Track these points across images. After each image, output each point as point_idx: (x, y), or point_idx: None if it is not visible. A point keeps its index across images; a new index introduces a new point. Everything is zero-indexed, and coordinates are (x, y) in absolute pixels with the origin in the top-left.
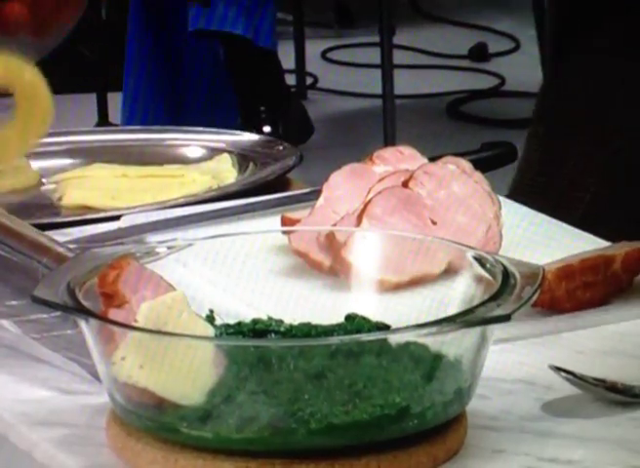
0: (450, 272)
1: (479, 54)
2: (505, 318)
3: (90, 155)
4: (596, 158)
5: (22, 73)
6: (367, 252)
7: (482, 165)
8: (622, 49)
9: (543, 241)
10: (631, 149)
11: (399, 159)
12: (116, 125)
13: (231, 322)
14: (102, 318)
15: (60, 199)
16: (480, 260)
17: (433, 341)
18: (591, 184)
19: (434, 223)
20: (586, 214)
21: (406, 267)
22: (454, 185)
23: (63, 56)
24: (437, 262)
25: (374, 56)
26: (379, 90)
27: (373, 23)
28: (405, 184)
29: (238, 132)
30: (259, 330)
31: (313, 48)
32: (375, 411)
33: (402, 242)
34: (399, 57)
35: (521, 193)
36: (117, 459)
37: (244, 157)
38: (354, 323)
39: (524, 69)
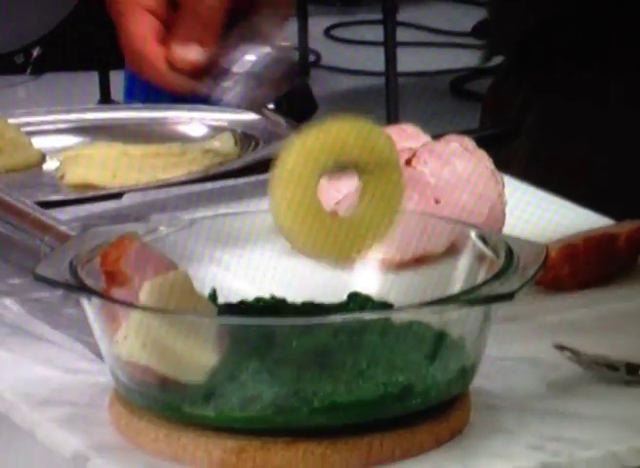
0: (453, 251)
1: (483, 31)
2: (509, 297)
3: (92, 133)
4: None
5: (377, 139)
6: None
7: (486, 143)
8: None
9: (547, 219)
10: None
11: (402, 137)
12: (118, 103)
13: (234, 300)
14: (105, 296)
15: (61, 177)
16: (483, 239)
17: (436, 320)
18: (597, 164)
19: (437, 202)
20: (594, 194)
21: (409, 246)
22: (457, 163)
23: (66, 34)
24: (440, 241)
25: (377, 33)
26: (382, 67)
27: (376, 1)
28: (408, 162)
29: (240, 110)
30: (261, 308)
31: (316, 25)
32: (378, 390)
33: (405, 220)
34: (402, 34)
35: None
36: (120, 438)
37: (246, 135)
38: (357, 301)
39: None
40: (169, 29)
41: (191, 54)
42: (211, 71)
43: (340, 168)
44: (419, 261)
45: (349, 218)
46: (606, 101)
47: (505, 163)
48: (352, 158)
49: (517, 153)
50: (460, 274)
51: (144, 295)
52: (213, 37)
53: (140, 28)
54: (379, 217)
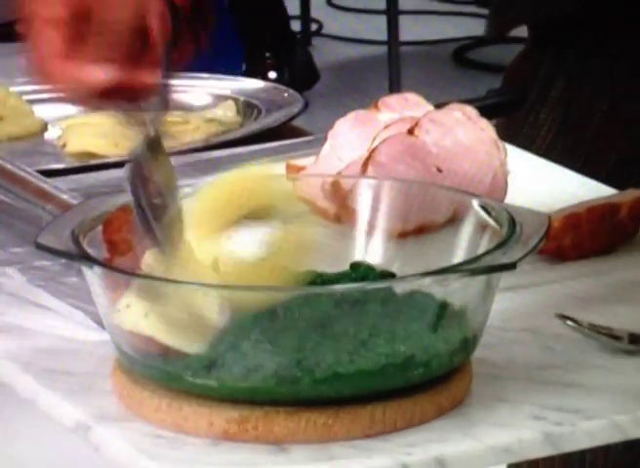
0: (455, 220)
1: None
2: (511, 266)
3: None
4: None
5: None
6: (372, 199)
7: (488, 112)
8: None
9: (550, 189)
10: None
11: (404, 106)
12: None
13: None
14: (107, 265)
15: (63, 146)
16: (486, 208)
17: (438, 290)
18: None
19: (440, 171)
20: (620, 167)
21: (411, 215)
22: (459, 133)
23: None
24: (442, 210)
25: (379, 1)
26: (384, 36)
27: None
28: (410, 131)
29: (243, 78)
30: None
31: None
32: (380, 360)
33: (407, 189)
34: (405, 2)
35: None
36: (122, 407)
37: (249, 104)
38: (359, 271)
39: None
40: (78, 42)
41: (97, 73)
42: (121, 91)
43: (250, 215)
44: (421, 231)
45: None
46: (626, 76)
47: (530, 138)
48: (257, 206)
49: (541, 128)
50: (462, 244)
51: (147, 263)
52: (121, 54)
53: (41, 45)
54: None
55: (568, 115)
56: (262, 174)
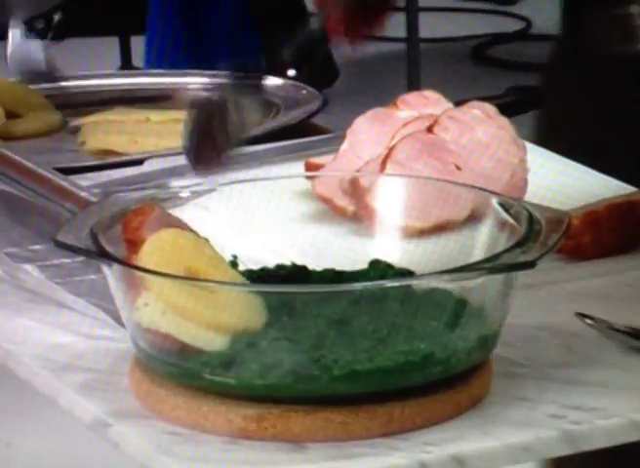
0: (474, 218)
1: None
2: (530, 264)
3: (113, 99)
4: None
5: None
6: (391, 197)
7: (507, 109)
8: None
9: (569, 186)
10: None
11: (423, 104)
12: (139, 68)
13: (255, 268)
14: (126, 263)
15: (82, 143)
16: (505, 206)
17: (457, 288)
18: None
19: (459, 169)
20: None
21: (430, 213)
22: (478, 130)
23: None
24: (461, 208)
25: None
26: (403, 33)
27: None
28: (429, 129)
29: (262, 75)
30: (282, 275)
31: None
32: (398, 358)
33: (426, 187)
34: (424, 0)
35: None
36: (140, 405)
37: (268, 101)
38: (378, 269)
39: (551, 12)
40: None
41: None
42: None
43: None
44: (440, 228)
45: None
46: None
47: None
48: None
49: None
50: (481, 242)
51: (144, 253)
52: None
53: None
54: None
55: (587, 114)
56: (190, 237)
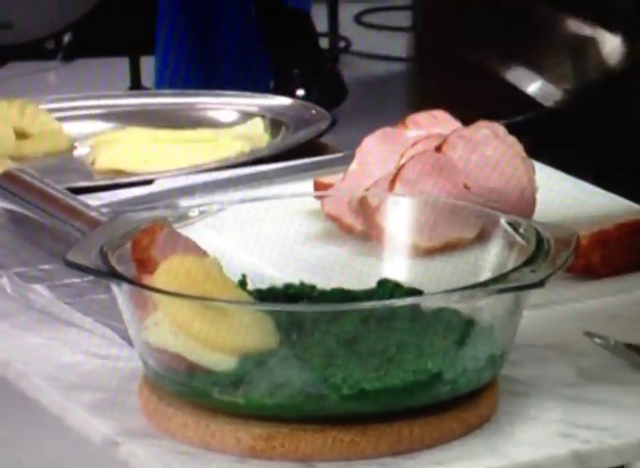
0: (483, 237)
1: None
2: (539, 284)
3: (122, 119)
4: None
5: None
6: (399, 216)
7: (516, 129)
8: None
9: (578, 206)
10: None
11: (432, 123)
12: (149, 89)
13: (264, 287)
14: (135, 283)
15: (92, 163)
16: (513, 225)
17: (466, 307)
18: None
19: (467, 188)
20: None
21: (439, 232)
22: (487, 149)
23: (97, 20)
24: (470, 227)
25: (407, 19)
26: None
27: None
28: (438, 149)
29: (271, 95)
30: (291, 295)
31: (346, 11)
32: (407, 377)
33: (435, 206)
34: None
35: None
36: (149, 424)
37: (277, 121)
38: (386, 288)
39: None
40: None
41: None
42: None
43: None
44: (448, 247)
45: None
46: None
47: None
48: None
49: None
50: (490, 261)
51: (160, 277)
52: None
53: None
54: None
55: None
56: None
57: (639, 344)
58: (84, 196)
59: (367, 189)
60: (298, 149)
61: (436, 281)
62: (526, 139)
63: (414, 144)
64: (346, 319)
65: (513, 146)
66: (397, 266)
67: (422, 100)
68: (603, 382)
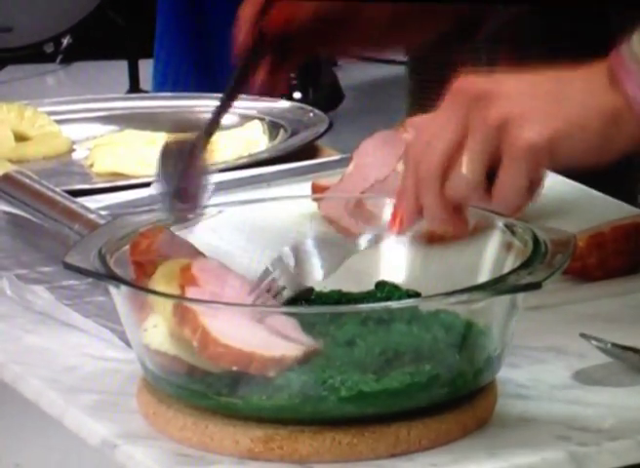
0: (480, 239)
1: None
2: (536, 286)
3: (121, 122)
4: None
5: None
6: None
7: None
8: None
9: (575, 208)
10: None
11: None
12: (147, 92)
13: None
14: (134, 285)
15: (91, 166)
16: (510, 228)
17: (463, 309)
18: None
19: None
20: None
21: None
22: None
23: (95, 23)
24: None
25: None
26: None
27: None
28: None
29: (269, 98)
30: (289, 296)
31: None
32: (405, 379)
33: None
34: None
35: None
36: (148, 426)
37: (275, 124)
38: (384, 290)
39: None
40: None
41: None
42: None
43: None
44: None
45: None
46: None
47: None
48: None
49: None
50: (487, 263)
51: (158, 279)
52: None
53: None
54: None
55: None
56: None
57: (636, 346)
58: (83, 198)
59: (364, 192)
60: (295, 152)
61: (434, 283)
62: None
63: None
64: (345, 321)
65: None
66: (395, 268)
67: (420, 103)
68: (599, 384)
